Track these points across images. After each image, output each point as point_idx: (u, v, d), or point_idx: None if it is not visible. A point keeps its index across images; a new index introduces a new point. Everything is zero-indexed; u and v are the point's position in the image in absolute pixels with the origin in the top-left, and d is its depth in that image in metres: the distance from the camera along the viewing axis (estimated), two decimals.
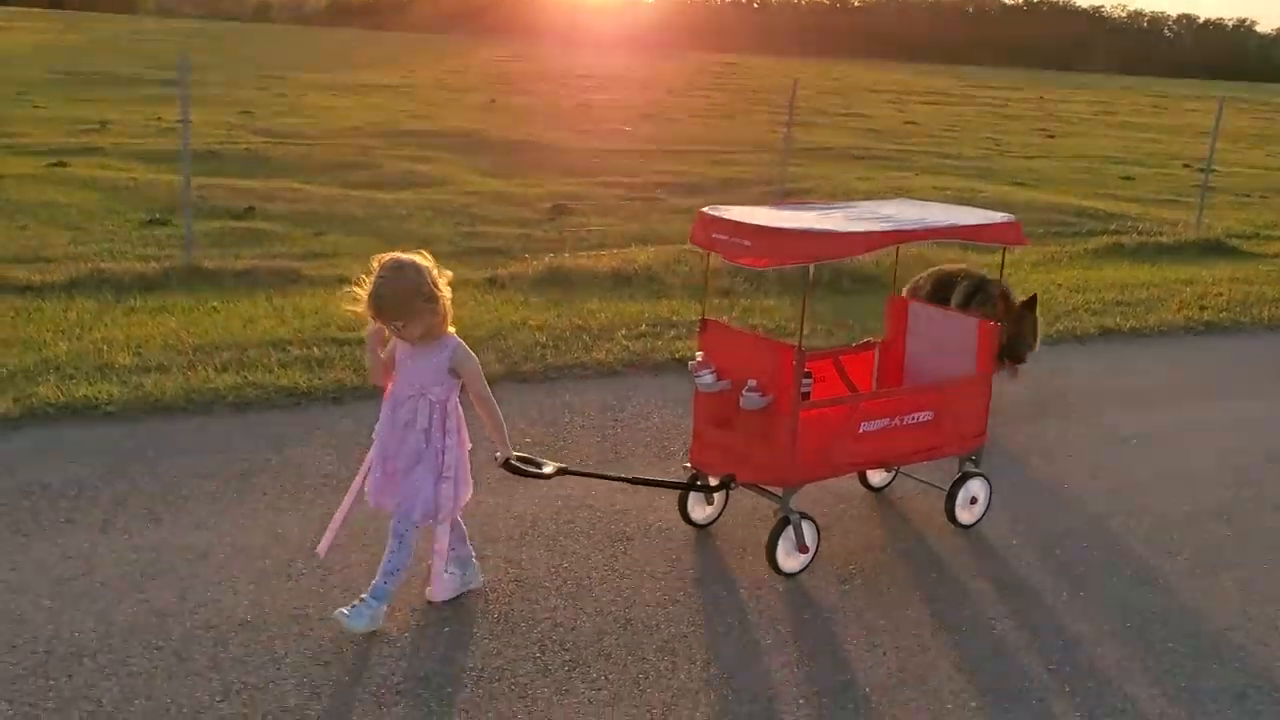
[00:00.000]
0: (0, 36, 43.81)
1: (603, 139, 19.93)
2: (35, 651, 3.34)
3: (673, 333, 7.22)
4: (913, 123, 26.65)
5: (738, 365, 4.18)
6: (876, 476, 4.98)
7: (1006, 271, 9.48)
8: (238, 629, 3.53)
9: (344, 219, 11.15)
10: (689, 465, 4.42)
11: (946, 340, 4.68)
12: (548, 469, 3.86)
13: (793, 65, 59.74)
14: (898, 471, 4.96)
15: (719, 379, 4.20)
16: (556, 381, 6.28)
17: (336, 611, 3.49)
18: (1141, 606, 4.07)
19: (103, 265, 8.15)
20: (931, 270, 6.38)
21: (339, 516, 3.68)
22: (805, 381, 4.19)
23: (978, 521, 4.65)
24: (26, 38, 44.73)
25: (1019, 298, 6.05)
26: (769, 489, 4.20)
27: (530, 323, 7.24)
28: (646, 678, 3.43)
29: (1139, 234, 11.72)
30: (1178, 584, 4.27)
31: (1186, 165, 19.83)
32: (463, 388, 3.62)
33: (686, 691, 3.37)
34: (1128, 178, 17.82)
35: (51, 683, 3.20)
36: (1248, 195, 16.57)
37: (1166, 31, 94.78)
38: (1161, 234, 11.69)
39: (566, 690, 3.34)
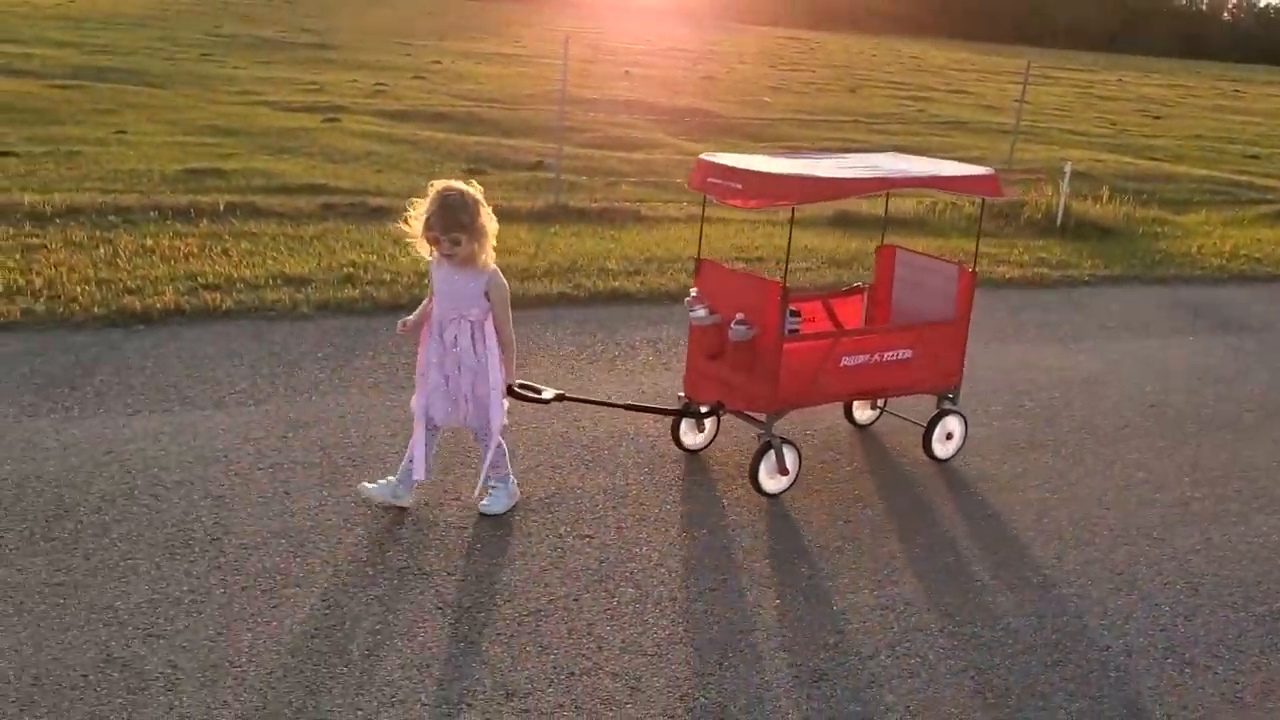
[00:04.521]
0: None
1: (753, 109, 21.69)
2: None
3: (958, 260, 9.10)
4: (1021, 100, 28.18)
5: (729, 301, 4.41)
6: (862, 414, 5.26)
7: (1206, 228, 11.20)
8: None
9: (616, 172, 13.02)
10: (682, 395, 4.69)
11: (929, 286, 4.88)
12: (546, 394, 4.10)
13: (851, 41, 61.03)
14: (882, 410, 5.27)
15: (711, 313, 4.45)
16: None
17: (480, 505, 4.07)
18: None
19: (494, 202, 10.05)
20: None
21: (419, 444, 3.95)
22: (795, 320, 4.46)
23: (953, 456, 4.93)
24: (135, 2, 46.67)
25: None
26: (754, 416, 4.48)
27: (866, 249, 9.10)
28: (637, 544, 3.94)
29: None
30: None
31: None
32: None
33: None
34: (1253, 155, 19.45)
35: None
36: None
37: (1226, 14, 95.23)
38: None
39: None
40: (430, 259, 3.93)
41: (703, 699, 3.14)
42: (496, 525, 4.05)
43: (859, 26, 79.57)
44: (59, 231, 7.58)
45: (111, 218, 8.10)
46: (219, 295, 6.40)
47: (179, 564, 3.60)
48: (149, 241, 7.48)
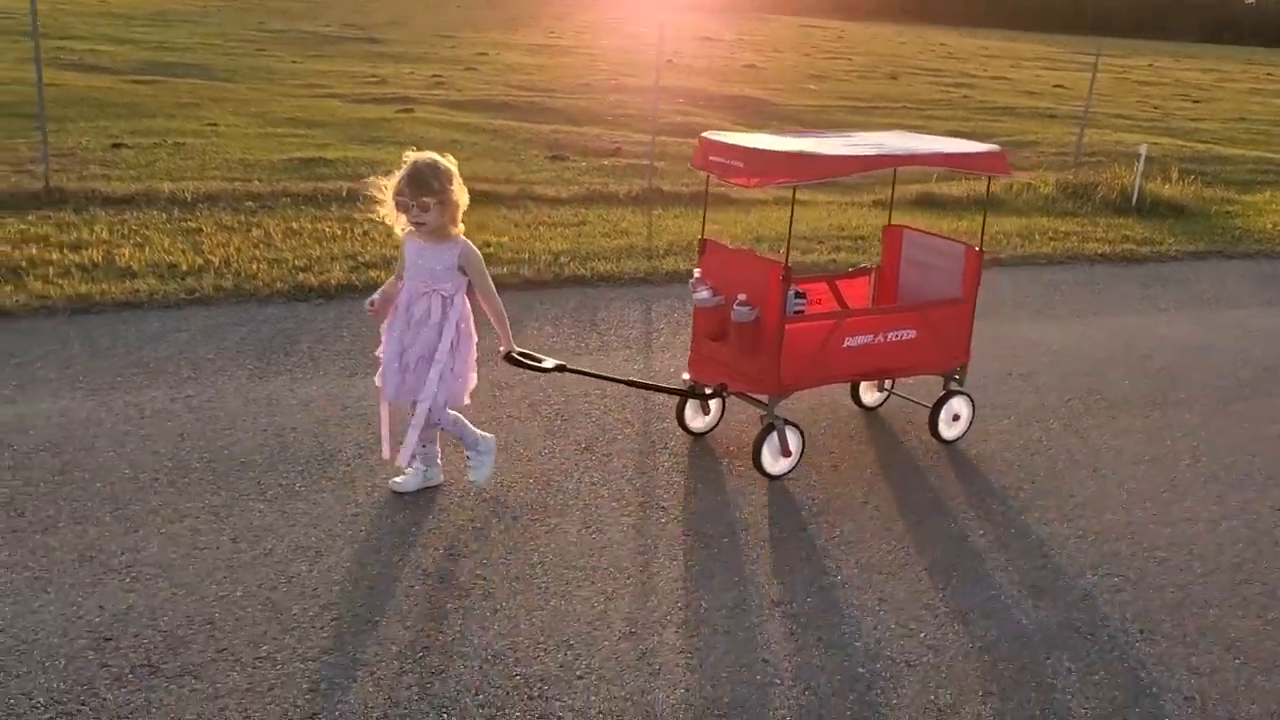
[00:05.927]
0: None
1: (803, 97, 22.02)
2: None
3: (1049, 237, 9.47)
4: (1060, 86, 28.47)
5: (732, 282, 4.38)
6: (869, 396, 5.23)
7: (1275, 206, 11.51)
8: None
9: (685, 157, 13.42)
10: (687, 376, 4.69)
11: (937, 266, 4.85)
12: (547, 364, 4.09)
13: (876, 29, 61.16)
14: (890, 392, 5.26)
15: (715, 294, 4.42)
16: (1017, 268, 8.56)
17: (467, 479, 4.02)
18: None
19: (593, 187, 10.51)
20: None
21: (385, 422, 3.96)
22: (800, 301, 4.47)
23: (960, 437, 4.91)
24: None
25: None
26: (757, 397, 4.48)
27: (955, 228, 9.49)
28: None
29: None
30: None
31: None
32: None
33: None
34: None
35: None
36: None
37: None
38: None
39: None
40: (401, 232, 3.87)
41: (943, 607, 3.56)
42: (709, 469, 4.48)
43: (880, 14, 79.71)
44: (208, 216, 8.04)
45: (249, 203, 8.56)
46: (382, 273, 6.84)
47: (452, 499, 4.04)
48: (294, 225, 7.94)
